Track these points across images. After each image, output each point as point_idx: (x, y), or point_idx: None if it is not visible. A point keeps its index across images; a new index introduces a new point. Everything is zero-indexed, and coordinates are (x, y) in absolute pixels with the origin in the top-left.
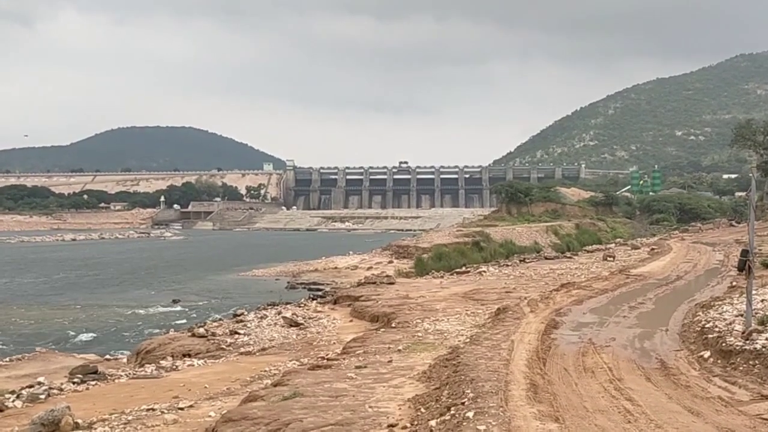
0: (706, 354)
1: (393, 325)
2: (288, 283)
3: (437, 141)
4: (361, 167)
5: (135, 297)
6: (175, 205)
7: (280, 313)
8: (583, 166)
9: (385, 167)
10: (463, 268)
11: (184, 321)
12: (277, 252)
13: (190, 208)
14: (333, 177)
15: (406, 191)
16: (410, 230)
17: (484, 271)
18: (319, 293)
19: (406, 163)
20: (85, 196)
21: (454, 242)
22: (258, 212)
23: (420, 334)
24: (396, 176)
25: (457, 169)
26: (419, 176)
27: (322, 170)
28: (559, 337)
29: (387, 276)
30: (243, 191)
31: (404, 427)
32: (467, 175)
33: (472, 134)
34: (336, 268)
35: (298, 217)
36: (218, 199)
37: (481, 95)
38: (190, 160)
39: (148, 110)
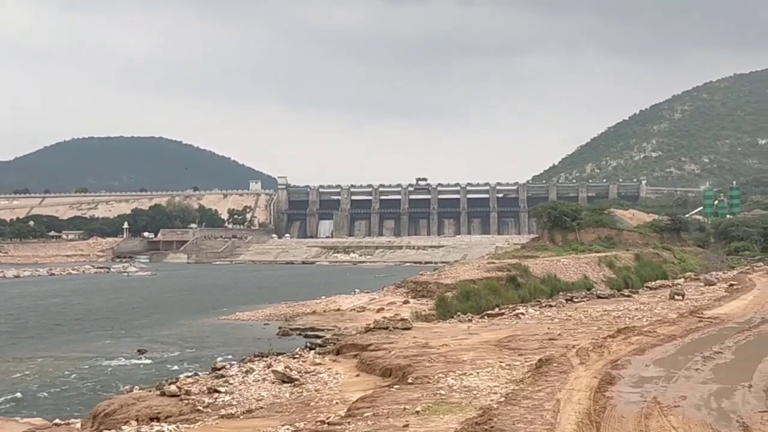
0: None
1: (409, 380)
2: (280, 329)
3: (463, 152)
4: (369, 186)
5: (93, 346)
6: (145, 233)
7: (270, 366)
8: (643, 182)
9: (399, 185)
10: (496, 310)
11: (152, 376)
12: (267, 291)
13: (159, 237)
14: (335, 198)
15: (425, 215)
16: (430, 263)
17: (522, 314)
18: (318, 341)
19: (424, 180)
20: (31, 223)
21: (484, 277)
22: (243, 241)
23: (443, 392)
24: (412, 196)
25: (487, 188)
26: (441, 196)
27: (321, 189)
28: (617, 395)
29: (402, 320)
30: (225, 216)
31: None
32: (500, 195)
33: (506, 144)
34: (339, 310)
35: (292, 247)
36: (194, 225)
37: (516, 95)
38: (159, 177)
39: (109, 118)
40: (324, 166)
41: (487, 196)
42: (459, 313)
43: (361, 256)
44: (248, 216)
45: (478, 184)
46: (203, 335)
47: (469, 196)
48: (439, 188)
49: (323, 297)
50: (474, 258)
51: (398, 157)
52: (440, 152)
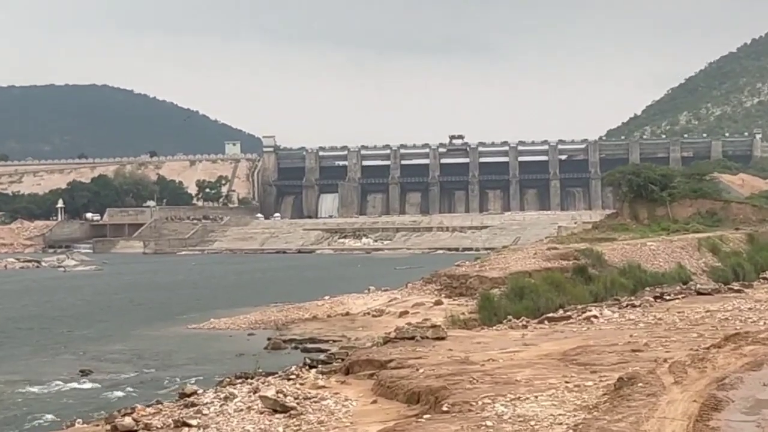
0: None
1: (444, 408)
2: (269, 340)
3: (510, 102)
4: (386, 147)
5: (18, 367)
6: (87, 214)
7: (256, 390)
8: (758, 137)
9: (426, 146)
10: (560, 312)
11: (100, 405)
12: (251, 289)
13: (106, 220)
14: (341, 164)
15: (461, 185)
16: (470, 250)
17: (596, 317)
18: (321, 357)
19: (460, 138)
20: None
21: (543, 268)
22: (218, 224)
23: (490, 424)
24: (445, 160)
25: (546, 147)
26: (484, 159)
27: (322, 153)
28: (725, 425)
29: (433, 326)
30: (193, 189)
31: None
32: (563, 157)
33: (568, 89)
34: (348, 314)
35: (283, 230)
36: (152, 203)
37: (582, 23)
38: (104, 140)
39: (36, 61)
40: (325, 123)
41: (545, 158)
42: (510, 316)
43: (376, 241)
44: (224, 189)
45: (533, 143)
46: (167, 350)
47: (522, 158)
48: (480, 149)
49: (326, 297)
50: (529, 242)
51: (424, 110)
52: (480, 102)
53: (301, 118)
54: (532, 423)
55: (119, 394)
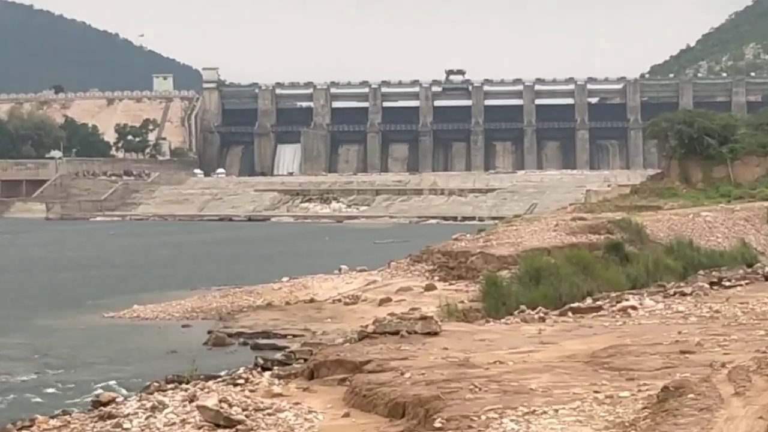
0: None
1: (437, 423)
2: (210, 333)
3: (524, 28)
4: (364, 84)
5: None
6: None
7: (193, 398)
8: None
9: (415, 83)
10: (588, 301)
11: None
12: (186, 267)
13: None
14: (304, 104)
15: (461, 134)
16: (471, 219)
17: (634, 307)
18: (278, 356)
19: (461, 73)
20: None
21: (567, 244)
22: (143, 182)
23: None
24: (440, 102)
25: (571, 87)
26: (490, 102)
27: (280, 90)
28: None
29: (423, 318)
30: (111, 136)
31: None
32: (594, 100)
33: (598, 12)
34: (313, 301)
35: (229, 191)
36: (57, 153)
37: None
38: None
39: None
40: (283, 53)
41: (570, 101)
42: (523, 306)
43: (350, 207)
44: (152, 137)
45: (554, 82)
46: (76, 344)
47: (540, 101)
48: (486, 88)
49: (285, 279)
50: (548, 210)
51: (414, 37)
52: (486, 28)
53: (253, 45)
54: None
55: (13, 399)
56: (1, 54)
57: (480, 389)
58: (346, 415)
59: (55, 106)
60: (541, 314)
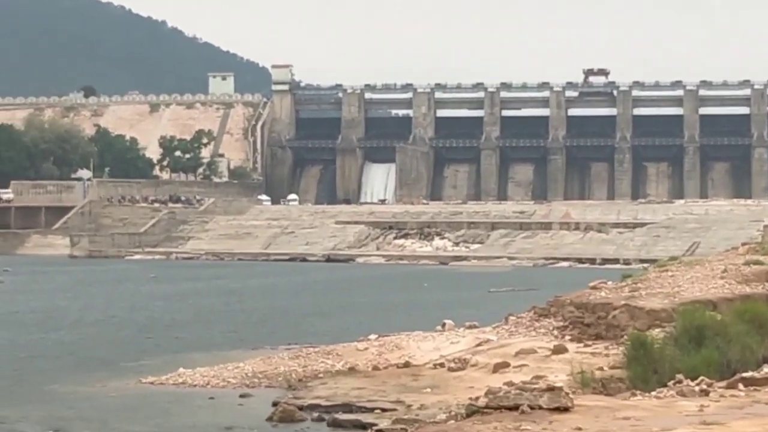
0: None
1: None
2: (276, 405)
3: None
4: (478, 86)
5: None
6: None
7: None
8: None
9: (544, 86)
10: (765, 370)
11: None
12: (246, 320)
13: (10, 199)
14: (401, 113)
15: (602, 153)
16: (614, 261)
17: None
18: None
19: (603, 74)
20: None
21: (738, 296)
22: (194, 210)
23: None
24: (575, 110)
25: (747, 92)
26: (640, 110)
27: (370, 93)
28: None
29: (550, 389)
30: (154, 151)
31: None
32: None
33: None
34: (408, 365)
35: (303, 223)
36: (86, 172)
37: None
38: (9, 68)
39: None
40: (373, 46)
41: (745, 110)
42: (680, 376)
43: (457, 244)
44: (206, 153)
45: (725, 84)
46: (107, 417)
47: (705, 110)
48: (635, 93)
49: (372, 337)
50: (715, 252)
51: (538, 28)
52: (631, 18)
53: (336, 38)
54: None
55: None
56: (18, 47)
57: None
58: None
59: (84, 113)
60: (704, 386)
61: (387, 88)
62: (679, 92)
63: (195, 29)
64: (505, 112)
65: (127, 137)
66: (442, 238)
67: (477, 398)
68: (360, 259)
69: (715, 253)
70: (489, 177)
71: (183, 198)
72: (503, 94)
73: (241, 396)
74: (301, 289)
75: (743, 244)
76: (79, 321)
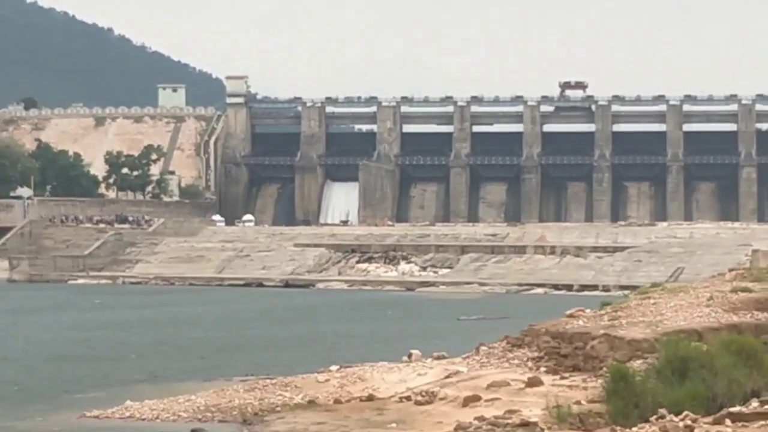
0: None
1: None
2: None
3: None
4: (447, 100)
5: None
6: None
7: None
8: None
9: (518, 100)
10: (754, 405)
11: None
12: (198, 350)
13: None
14: (365, 128)
15: (580, 171)
16: (593, 288)
17: None
18: None
19: (581, 87)
20: None
21: (724, 325)
22: (143, 231)
23: None
24: (551, 126)
25: (733, 107)
26: (620, 126)
27: (332, 107)
28: None
29: (524, 424)
30: (100, 168)
31: None
32: (764, 125)
33: None
34: (372, 398)
35: (260, 245)
36: (26, 191)
37: None
38: None
39: None
40: (334, 57)
41: (732, 127)
42: (663, 410)
43: (425, 269)
44: (155, 170)
45: (710, 99)
46: None
47: (689, 127)
48: (615, 108)
49: (334, 367)
50: (700, 278)
51: (510, 39)
52: (609, 28)
53: (294, 48)
54: None
55: None
56: None
57: None
58: None
59: (24, 127)
60: (688, 421)
61: (349, 101)
62: (662, 107)
63: (144, 37)
64: (476, 128)
65: (71, 153)
66: (409, 263)
67: None
68: (320, 285)
69: (700, 279)
70: (459, 197)
71: (130, 218)
72: (474, 108)
73: (193, 431)
74: (258, 316)
75: (730, 270)
76: (16, 351)
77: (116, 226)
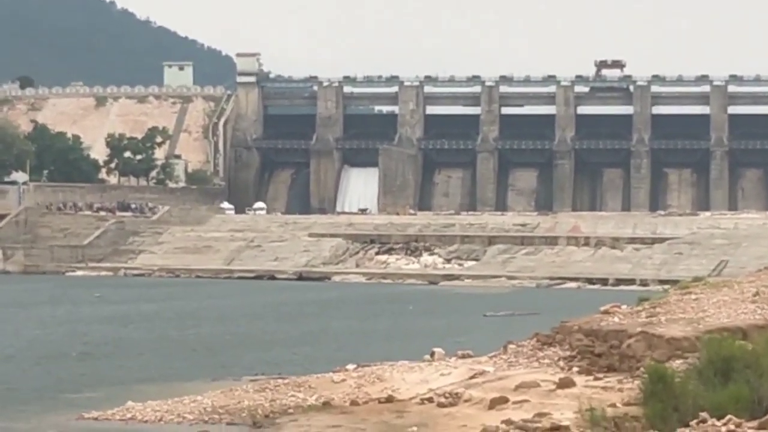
0: None
1: None
2: None
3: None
4: (474, 79)
5: None
6: None
7: None
8: None
9: (550, 80)
10: None
11: None
12: (205, 347)
13: None
14: (385, 109)
15: (616, 157)
16: (630, 282)
17: None
18: None
19: (618, 66)
20: None
21: None
22: (146, 219)
23: None
24: (585, 108)
25: None
26: (660, 109)
27: (350, 86)
28: None
29: (555, 429)
30: (101, 151)
31: None
32: None
33: None
34: (391, 400)
35: (271, 235)
36: (21, 175)
37: None
38: None
39: None
40: (352, 34)
41: None
42: (704, 414)
43: (449, 261)
44: (159, 154)
45: (757, 79)
46: None
47: (734, 109)
48: (654, 88)
49: (350, 366)
50: (745, 272)
51: (542, 15)
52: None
53: (309, 24)
54: None
55: None
56: None
57: None
58: None
59: (19, 107)
60: (731, 426)
61: (369, 80)
62: (706, 88)
63: (148, 11)
64: (505, 110)
65: (69, 135)
66: (432, 254)
67: None
68: (336, 278)
69: (745, 273)
70: (486, 184)
71: (133, 205)
72: (503, 88)
73: None
74: (269, 311)
75: None
76: (11, 347)
77: (118, 213)
